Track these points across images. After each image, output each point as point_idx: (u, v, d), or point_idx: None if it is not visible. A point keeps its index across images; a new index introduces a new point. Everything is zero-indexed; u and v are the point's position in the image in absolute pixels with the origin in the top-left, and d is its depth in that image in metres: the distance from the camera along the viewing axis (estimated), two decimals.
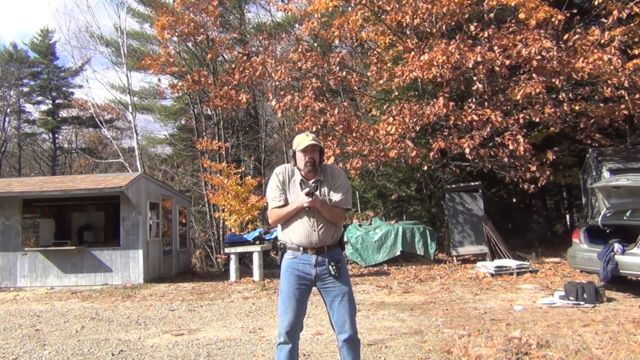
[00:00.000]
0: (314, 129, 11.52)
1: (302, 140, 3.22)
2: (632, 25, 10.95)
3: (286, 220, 3.23)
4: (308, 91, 11.93)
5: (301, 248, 3.17)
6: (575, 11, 11.42)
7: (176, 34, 15.58)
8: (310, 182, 3.22)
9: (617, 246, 6.85)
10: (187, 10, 15.87)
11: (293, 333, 3.14)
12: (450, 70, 10.74)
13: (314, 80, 12.19)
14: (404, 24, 12.18)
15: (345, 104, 13.36)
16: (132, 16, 23.84)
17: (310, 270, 3.16)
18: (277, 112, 12.91)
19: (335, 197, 3.25)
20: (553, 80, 10.71)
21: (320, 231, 3.18)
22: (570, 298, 6.56)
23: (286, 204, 3.22)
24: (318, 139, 3.29)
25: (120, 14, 20.74)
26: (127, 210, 10.96)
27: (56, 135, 34.07)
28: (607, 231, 7.58)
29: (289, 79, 12.52)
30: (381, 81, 12.83)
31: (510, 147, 10.65)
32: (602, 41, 10.71)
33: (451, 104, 11.13)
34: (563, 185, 18.06)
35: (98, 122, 23.52)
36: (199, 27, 15.49)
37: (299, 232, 3.18)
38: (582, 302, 6.40)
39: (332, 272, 3.15)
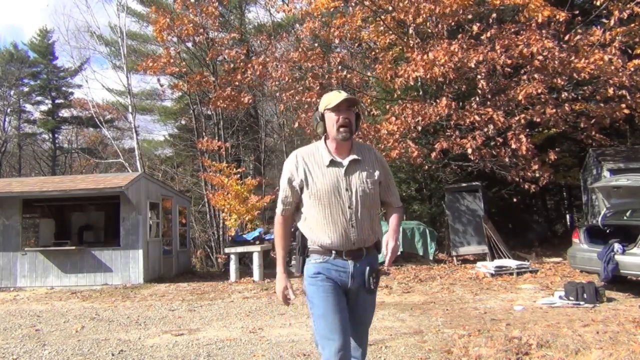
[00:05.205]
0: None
1: (334, 97, 2.43)
2: (632, 25, 10.97)
3: (310, 211, 2.44)
4: (314, 88, 11.95)
5: (333, 252, 2.39)
6: (576, 12, 11.44)
7: (175, 35, 15.57)
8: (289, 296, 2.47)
9: (617, 246, 6.84)
10: (186, 11, 15.87)
11: (348, 357, 2.34)
12: (453, 70, 10.75)
13: (316, 78, 12.19)
14: (408, 23, 12.19)
15: None
16: (131, 16, 23.86)
17: (346, 281, 2.40)
18: (280, 105, 12.92)
19: (392, 195, 2.57)
20: (554, 80, 10.73)
21: (360, 226, 2.39)
22: (570, 298, 6.55)
23: (294, 206, 2.50)
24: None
25: (120, 14, 20.65)
26: (127, 210, 10.95)
27: (56, 135, 34.10)
28: (607, 231, 7.58)
29: (290, 79, 12.53)
30: (387, 78, 12.81)
31: (513, 146, 10.65)
32: (603, 41, 10.72)
33: (453, 104, 11.14)
34: (563, 185, 18.09)
35: (98, 122, 23.51)
36: (198, 28, 15.49)
37: (331, 229, 2.38)
38: (582, 302, 6.40)
39: (371, 287, 2.41)
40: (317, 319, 2.38)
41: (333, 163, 2.43)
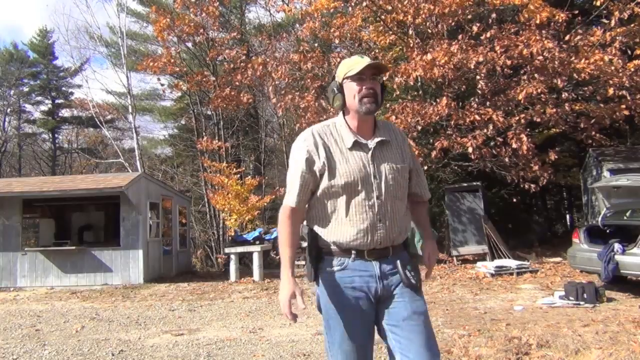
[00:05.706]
0: None
1: (356, 63, 1.99)
2: (633, 26, 10.97)
3: (327, 203, 2.01)
4: (310, 91, 11.95)
5: (354, 252, 1.99)
6: (576, 12, 11.45)
7: (175, 35, 15.58)
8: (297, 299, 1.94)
9: (617, 246, 6.84)
10: (187, 10, 15.89)
11: None
12: (452, 70, 10.75)
13: (315, 80, 12.20)
14: (407, 23, 12.19)
15: None
16: (130, 16, 23.87)
17: (371, 286, 1.98)
18: (278, 110, 12.95)
19: (421, 185, 2.23)
20: (554, 80, 10.73)
21: (390, 221, 1.99)
22: (570, 298, 6.55)
23: (309, 196, 2.04)
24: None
25: (120, 14, 20.69)
26: (127, 210, 10.95)
27: (56, 135, 34.12)
28: (607, 231, 7.58)
29: (290, 80, 12.54)
30: (386, 77, 12.81)
31: (514, 145, 10.66)
32: (604, 42, 10.73)
33: (453, 103, 11.15)
34: (563, 185, 18.09)
35: (98, 122, 23.52)
36: (198, 28, 15.50)
37: (354, 224, 1.97)
38: (582, 302, 6.39)
39: (412, 280, 1.99)
40: (331, 346, 1.99)
41: (357, 145, 2.00)
